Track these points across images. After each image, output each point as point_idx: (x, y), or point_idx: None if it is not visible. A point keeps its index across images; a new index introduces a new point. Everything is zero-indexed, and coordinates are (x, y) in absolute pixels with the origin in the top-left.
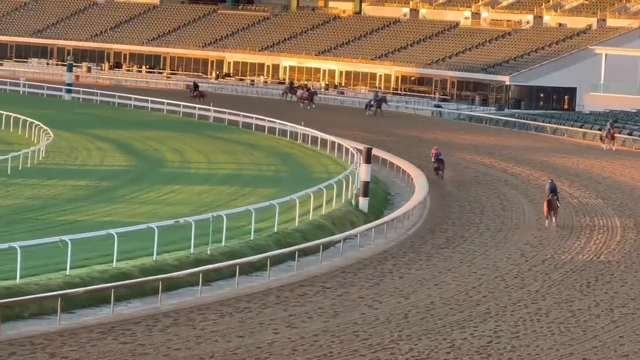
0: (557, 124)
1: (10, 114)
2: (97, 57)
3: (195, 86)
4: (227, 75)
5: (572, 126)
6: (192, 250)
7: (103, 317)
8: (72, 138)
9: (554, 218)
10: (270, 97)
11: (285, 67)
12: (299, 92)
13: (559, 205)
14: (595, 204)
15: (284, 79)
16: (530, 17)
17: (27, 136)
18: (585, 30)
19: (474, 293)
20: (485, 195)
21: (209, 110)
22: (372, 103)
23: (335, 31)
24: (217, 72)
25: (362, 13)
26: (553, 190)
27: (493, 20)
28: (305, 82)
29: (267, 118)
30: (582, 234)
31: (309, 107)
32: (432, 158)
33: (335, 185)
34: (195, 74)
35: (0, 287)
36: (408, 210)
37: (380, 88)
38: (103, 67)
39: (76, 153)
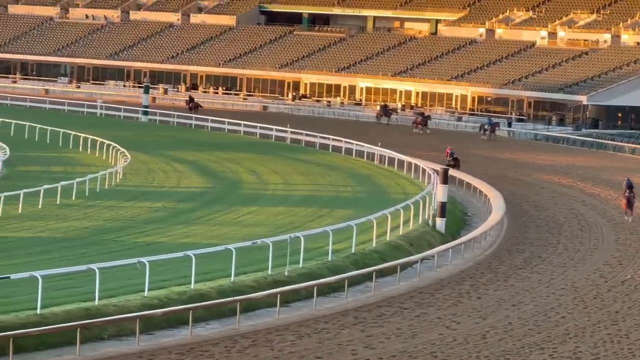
0: (636, 144)
1: (88, 136)
2: (173, 78)
3: (191, 99)
4: (304, 96)
5: None
6: (269, 271)
7: (181, 338)
8: (149, 160)
9: (632, 213)
10: (347, 118)
11: (361, 88)
12: (415, 116)
13: (635, 201)
14: None
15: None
16: (607, 36)
17: (104, 158)
18: None
19: (553, 314)
20: (563, 215)
21: (286, 131)
22: (486, 127)
23: (411, 52)
24: (294, 94)
25: (438, 34)
26: (630, 186)
27: (570, 40)
28: (415, 105)
29: (344, 139)
30: None
31: (421, 132)
32: (448, 157)
33: (412, 206)
34: (272, 95)
35: (79, 308)
36: (485, 231)
37: (456, 108)
38: (180, 89)
39: (153, 175)
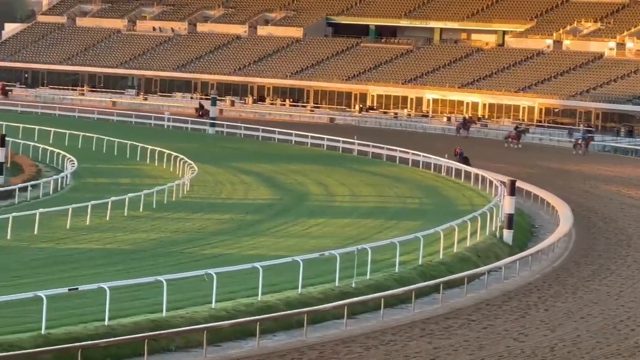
0: None
1: (155, 148)
2: (240, 90)
3: (201, 106)
4: (371, 108)
5: None
6: (337, 283)
7: (248, 350)
8: (217, 172)
9: None
10: (414, 130)
11: (428, 100)
12: (511, 130)
13: None
14: None
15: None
16: None
17: (171, 170)
18: None
19: (622, 326)
20: (632, 227)
21: (353, 143)
22: (580, 142)
23: (478, 63)
24: (361, 105)
25: (505, 45)
26: None
27: (639, 50)
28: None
29: (411, 151)
30: None
31: (514, 147)
32: (457, 157)
33: (479, 218)
34: (339, 107)
35: (146, 320)
36: (553, 243)
37: (523, 120)
38: (247, 101)
39: (220, 187)
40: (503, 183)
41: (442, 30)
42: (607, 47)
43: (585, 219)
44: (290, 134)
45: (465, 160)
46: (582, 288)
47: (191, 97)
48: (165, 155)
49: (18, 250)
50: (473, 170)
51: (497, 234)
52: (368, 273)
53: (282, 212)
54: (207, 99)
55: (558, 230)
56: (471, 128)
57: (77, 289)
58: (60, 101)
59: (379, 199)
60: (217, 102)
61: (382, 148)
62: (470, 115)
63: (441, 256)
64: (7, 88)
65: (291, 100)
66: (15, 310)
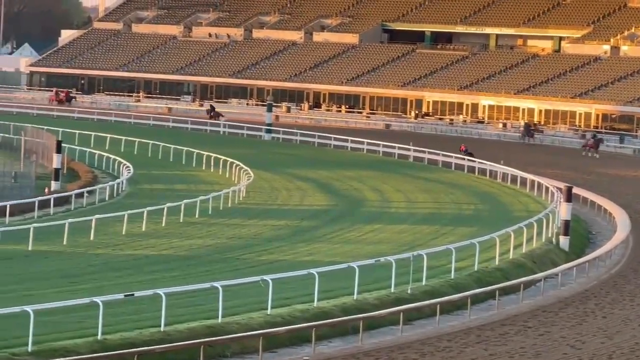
0: None
1: (211, 154)
2: (296, 97)
3: (212, 108)
4: (426, 114)
5: None
6: (392, 289)
7: (304, 356)
8: (272, 178)
9: None
10: (469, 136)
11: (484, 106)
12: (586, 139)
13: None
14: None
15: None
16: None
17: (227, 176)
18: None
19: None
20: None
21: (408, 149)
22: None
23: (534, 70)
24: (416, 112)
25: (561, 51)
26: None
27: None
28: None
29: (466, 157)
30: None
31: (591, 155)
32: (462, 153)
33: (535, 224)
34: (394, 113)
35: (202, 326)
36: (610, 249)
37: (579, 126)
38: (302, 107)
39: (276, 193)
40: (559, 189)
41: (498, 36)
42: None
43: None
44: (346, 140)
45: (470, 156)
46: None
47: (247, 103)
48: (221, 161)
49: (74, 256)
50: (529, 176)
51: (554, 240)
52: (424, 279)
53: (338, 218)
54: (262, 105)
55: (615, 236)
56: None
57: (133, 294)
58: (116, 107)
59: (435, 205)
60: (273, 108)
61: (438, 154)
62: (533, 121)
63: (497, 262)
64: (71, 95)
65: (347, 106)
66: (71, 316)
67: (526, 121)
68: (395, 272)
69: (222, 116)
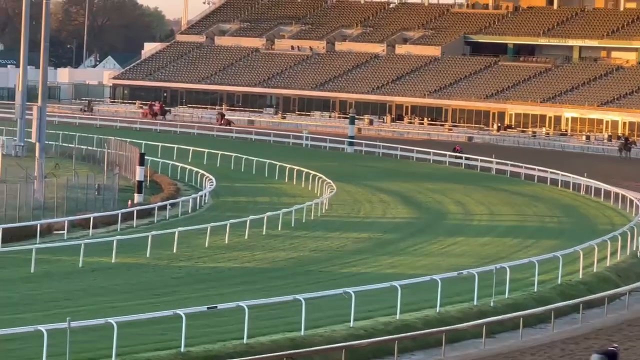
0: None
1: (294, 166)
2: (378, 109)
3: (222, 115)
4: (509, 126)
5: None
6: (475, 302)
7: None
8: (355, 190)
9: None
10: (552, 149)
11: (567, 119)
12: None
13: None
14: None
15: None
16: None
17: (310, 189)
18: None
19: None
20: None
21: (491, 162)
22: (624, 147)
23: (618, 81)
24: (499, 124)
25: None
26: None
27: None
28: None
29: (549, 170)
30: None
31: None
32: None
33: (619, 237)
34: (477, 125)
35: (285, 338)
36: None
37: None
38: (385, 120)
39: (359, 205)
40: None
41: (581, 48)
42: None
43: None
44: (428, 153)
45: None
46: None
47: (329, 116)
48: (304, 174)
49: (157, 268)
50: (613, 189)
51: (639, 254)
52: (507, 292)
53: (420, 231)
54: (345, 117)
55: None
56: (633, 148)
57: (216, 307)
58: (198, 120)
59: (518, 217)
60: (356, 121)
61: (521, 167)
62: (628, 135)
63: (581, 275)
64: (165, 108)
65: (429, 118)
66: (155, 328)
67: (624, 135)
68: (477, 285)
69: (233, 123)
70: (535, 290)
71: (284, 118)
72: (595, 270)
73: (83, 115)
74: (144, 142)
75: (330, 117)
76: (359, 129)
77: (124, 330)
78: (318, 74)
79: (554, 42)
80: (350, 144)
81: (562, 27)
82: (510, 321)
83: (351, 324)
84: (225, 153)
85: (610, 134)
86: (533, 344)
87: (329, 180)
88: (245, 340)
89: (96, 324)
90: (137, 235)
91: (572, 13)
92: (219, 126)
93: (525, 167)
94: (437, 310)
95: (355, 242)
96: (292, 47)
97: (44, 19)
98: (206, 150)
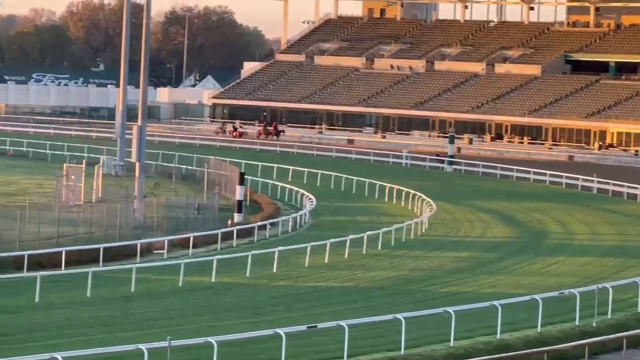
0: None
1: (394, 186)
2: (478, 128)
3: (234, 128)
4: (611, 145)
5: None
6: (577, 322)
7: None
8: (454, 210)
9: None
10: None
11: None
12: None
13: None
14: None
15: None
16: None
17: (409, 208)
18: None
19: None
20: None
21: (592, 181)
22: None
23: None
24: (600, 143)
25: None
26: None
27: None
28: None
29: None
30: None
31: None
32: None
33: None
34: (577, 144)
35: (384, 357)
36: None
37: None
38: (484, 139)
39: (458, 225)
40: None
41: None
42: None
43: None
44: (529, 172)
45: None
46: None
47: (429, 135)
48: (404, 193)
49: (257, 287)
50: None
51: None
52: (609, 312)
53: (520, 250)
54: (444, 136)
55: None
56: None
57: (316, 326)
58: (298, 139)
59: (620, 237)
60: (455, 140)
61: (623, 186)
62: None
63: None
64: (279, 129)
65: (529, 138)
66: (255, 347)
67: None
68: (579, 305)
69: (246, 134)
70: (639, 311)
71: (383, 137)
72: None
73: (218, 138)
74: (243, 161)
75: (429, 136)
76: (459, 148)
77: (223, 349)
78: (417, 93)
79: None
80: (450, 163)
81: None
82: (614, 342)
83: (451, 343)
84: (325, 172)
85: None
86: None
87: (428, 200)
88: None
89: (196, 343)
90: (237, 255)
91: None
92: (232, 138)
93: (628, 187)
94: (538, 330)
95: (455, 261)
96: (392, 67)
97: (144, 39)
98: (306, 170)
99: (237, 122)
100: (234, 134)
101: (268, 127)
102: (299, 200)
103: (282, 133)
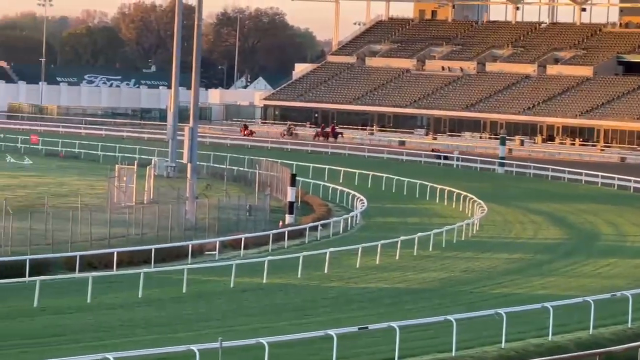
0: None
1: (445, 187)
2: (529, 130)
3: (245, 127)
4: None
5: None
6: (629, 324)
7: None
8: (506, 211)
9: None
10: None
11: None
12: None
13: None
14: None
15: None
16: None
17: (461, 209)
18: None
19: None
20: None
21: None
22: None
23: None
24: None
25: None
26: None
27: None
28: None
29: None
30: None
31: None
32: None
33: None
34: (630, 145)
35: (435, 359)
36: None
37: None
38: (536, 140)
39: (510, 226)
40: None
41: None
42: None
43: None
44: (580, 174)
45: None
46: None
47: (480, 137)
48: (455, 194)
49: (309, 288)
50: None
51: None
52: None
53: (572, 252)
54: (495, 138)
55: None
56: None
57: (367, 327)
58: (350, 141)
59: None
60: (506, 141)
61: None
62: None
63: None
64: (337, 131)
65: (581, 139)
66: (306, 349)
67: None
68: (632, 307)
69: (254, 133)
70: None
71: (434, 139)
72: None
73: (283, 139)
74: (295, 162)
75: (480, 137)
76: (510, 150)
77: (274, 350)
78: (468, 94)
79: None
80: (501, 164)
81: None
82: None
83: (502, 345)
84: (377, 174)
85: None
86: None
87: (479, 201)
88: None
89: (247, 344)
90: (288, 256)
91: None
92: (243, 136)
93: None
94: (590, 332)
95: (506, 262)
96: (443, 68)
97: (196, 40)
98: (357, 171)
99: (289, 123)
100: (245, 132)
101: (326, 129)
102: (350, 202)
103: (340, 135)
